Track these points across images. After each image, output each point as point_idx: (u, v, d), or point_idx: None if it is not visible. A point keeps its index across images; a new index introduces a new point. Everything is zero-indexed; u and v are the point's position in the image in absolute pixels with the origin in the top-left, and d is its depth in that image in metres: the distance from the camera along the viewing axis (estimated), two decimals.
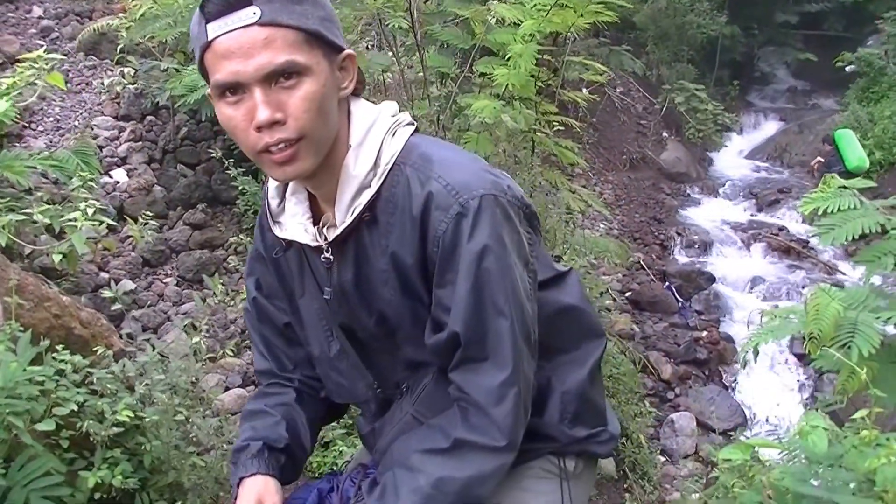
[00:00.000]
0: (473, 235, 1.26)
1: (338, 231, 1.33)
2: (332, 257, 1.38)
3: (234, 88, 1.21)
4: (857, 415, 1.94)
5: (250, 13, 1.17)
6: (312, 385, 1.62)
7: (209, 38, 1.20)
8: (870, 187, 2.65)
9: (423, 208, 1.27)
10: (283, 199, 1.45)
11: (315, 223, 1.40)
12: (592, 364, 1.53)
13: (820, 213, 2.59)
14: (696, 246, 8.61)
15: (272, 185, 1.46)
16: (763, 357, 6.21)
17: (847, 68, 12.31)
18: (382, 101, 1.41)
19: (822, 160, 9.26)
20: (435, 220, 1.27)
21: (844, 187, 2.63)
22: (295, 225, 1.41)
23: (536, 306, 1.39)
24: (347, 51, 1.31)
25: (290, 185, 1.44)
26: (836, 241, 2.54)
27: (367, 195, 1.31)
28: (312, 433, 1.62)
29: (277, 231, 1.43)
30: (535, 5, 4.00)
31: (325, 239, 1.36)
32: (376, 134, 1.33)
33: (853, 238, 2.51)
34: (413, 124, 1.39)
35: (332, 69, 1.28)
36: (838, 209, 2.55)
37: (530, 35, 3.94)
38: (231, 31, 1.18)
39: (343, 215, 1.32)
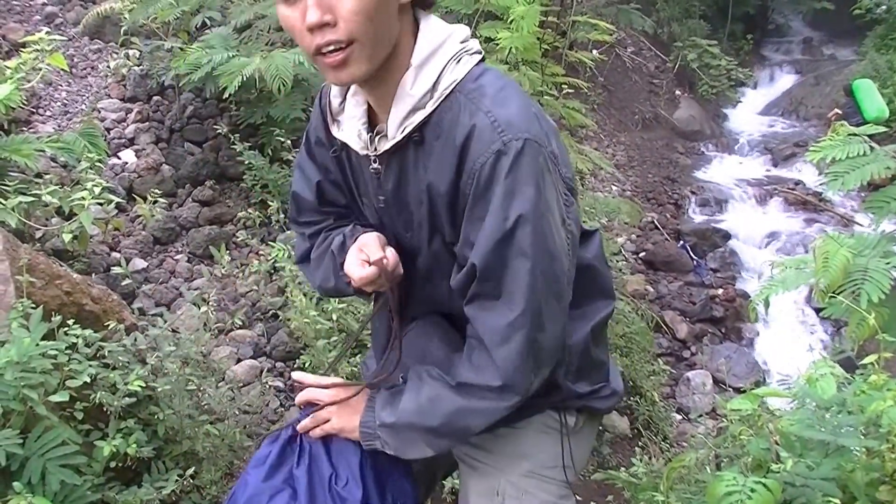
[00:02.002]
0: (511, 175, 1.24)
1: (387, 146, 1.34)
2: (380, 168, 1.39)
3: None
4: (867, 360, 1.93)
5: None
6: None
7: None
8: (883, 133, 2.61)
9: (465, 139, 1.27)
10: (344, 98, 1.45)
11: (370, 129, 1.41)
12: (597, 322, 1.54)
13: (828, 160, 2.56)
14: (711, 204, 8.55)
15: None
16: (780, 312, 6.18)
17: (878, 10, 11.94)
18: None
19: (840, 112, 9.10)
20: (474, 152, 1.26)
21: (854, 134, 2.59)
22: (351, 128, 1.41)
23: (573, 272, 1.39)
24: None
25: (352, 87, 1.43)
26: (844, 188, 2.49)
27: (419, 116, 1.30)
28: None
29: (335, 130, 1.45)
30: None
31: (376, 150, 1.37)
32: (440, 58, 1.32)
33: (863, 184, 2.48)
34: (480, 53, 1.37)
35: None
36: (847, 156, 2.52)
37: None
38: None
39: (394, 131, 1.33)
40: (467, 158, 1.27)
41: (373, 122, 1.41)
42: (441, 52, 1.32)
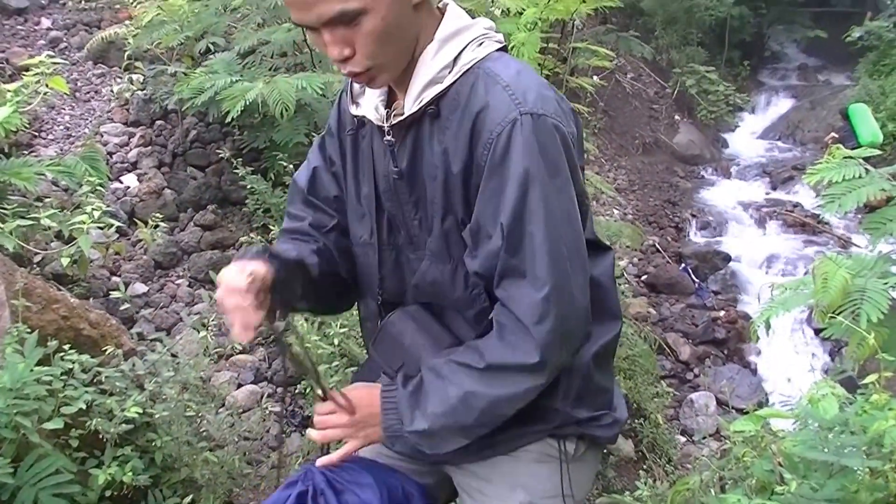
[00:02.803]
0: (528, 147, 1.24)
1: (402, 116, 1.35)
2: (393, 140, 1.39)
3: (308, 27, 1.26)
4: (868, 379, 1.92)
5: None
6: (334, 254, 1.57)
7: None
8: (877, 156, 2.63)
9: (480, 109, 1.27)
10: None
11: (388, 107, 1.42)
12: (602, 344, 1.48)
13: (825, 182, 2.57)
14: (712, 227, 8.57)
15: None
16: (782, 333, 6.17)
17: (857, 36, 12.12)
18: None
19: (836, 135, 9.15)
20: (491, 122, 1.26)
21: (850, 157, 2.60)
22: (369, 104, 1.43)
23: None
24: None
25: None
26: (841, 209, 2.51)
27: (436, 88, 1.31)
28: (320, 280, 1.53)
29: (353, 109, 1.46)
30: None
31: (390, 122, 1.38)
32: (464, 37, 1.34)
33: (859, 206, 2.49)
34: (503, 42, 1.39)
35: None
36: (843, 178, 2.53)
37: (533, 23, 3.93)
38: None
39: (411, 103, 1.33)
40: (484, 129, 1.27)
41: (391, 101, 1.43)
42: (466, 32, 1.34)
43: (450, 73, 1.31)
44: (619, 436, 1.63)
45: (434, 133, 1.33)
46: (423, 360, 1.42)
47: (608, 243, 1.63)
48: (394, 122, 1.36)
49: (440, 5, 1.38)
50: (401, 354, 1.46)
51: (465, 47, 1.33)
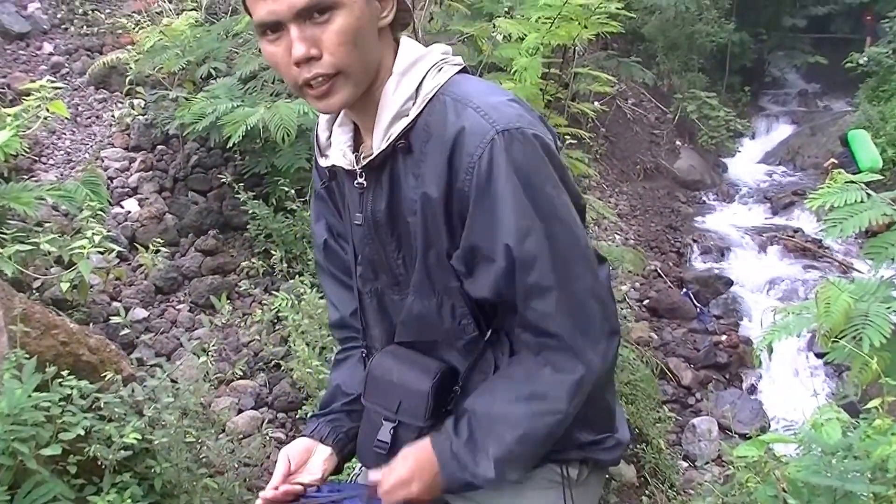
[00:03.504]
0: (512, 164, 1.22)
1: (372, 156, 1.32)
2: (364, 183, 1.36)
3: (274, 27, 1.22)
4: (871, 404, 1.92)
5: None
6: None
7: None
8: (877, 182, 2.64)
9: (455, 136, 1.24)
10: (331, 132, 1.45)
11: (356, 150, 1.40)
12: None
13: (827, 207, 2.58)
14: (713, 251, 8.58)
15: (322, 119, 1.46)
16: (784, 357, 6.15)
17: (860, 61, 12.21)
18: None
19: (836, 161, 9.18)
20: (469, 147, 1.23)
21: (851, 182, 2.61)
22: (336, 151, 1.41)
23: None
24: None
25: (339, 117, 1.43)
26: (843, 234, 2.51)
27: (403, 122, 1.29)
28: None
29: (322, 161, 1.44)
30: (539, 18, 4.01)
31: (361, 164, 1.35)
32: (422, 65, 1.31)
33: (860, 230, 2.50)
34: (461, 64, 1.36)
35: (368, 0, 1.26)
36: (845, 203, 2.53)
37: (535, 48, 3.94)
38: None
39: (379, 141, 1.31)
40: (462, 155, 1.24)
41: (358, 145, 1.41)
42: (423, 60, 1.32)
43: (414, 104, 1.29)
44: (621, 459, 1.62)
45: (408, 167, 1.31)
46: (418, 393, 1.40)
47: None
48: (364, 164, 1.34)
49: (396, 37, 1.36)
50: (394, 393, 1.44)
51: (425, 76, 1.31)
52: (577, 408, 1.33)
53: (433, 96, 1.29)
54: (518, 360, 1.36)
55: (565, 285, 1.27)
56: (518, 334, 1.34)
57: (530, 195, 1.24)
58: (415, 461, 1.39)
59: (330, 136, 1.44)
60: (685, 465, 4.75)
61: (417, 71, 1.31)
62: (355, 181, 1.37)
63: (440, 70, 1.32)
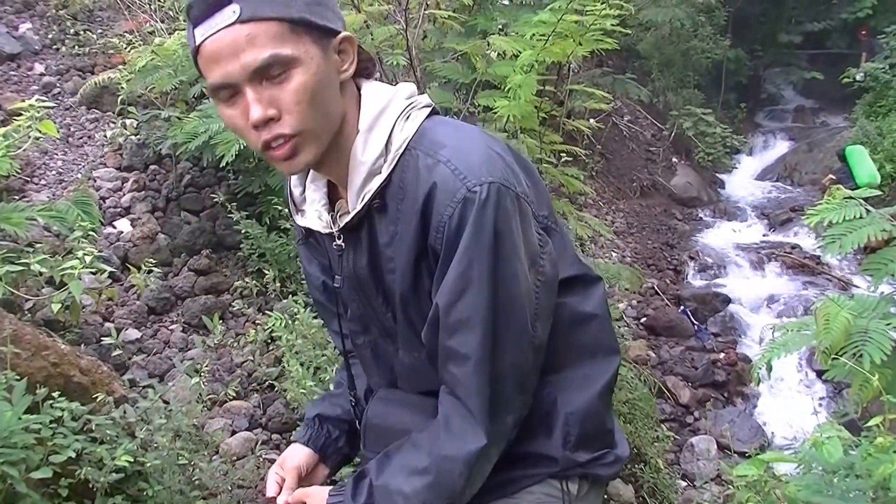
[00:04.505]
0: (478, 221, 1.19)
1: (348, 218, 1.31)
2: (343, 244, 1.35)
3: (228, 89, 1.19)
4: (872, 422, 1.89)
5: (230, 12, 1.15)
6: None
7: (197, 44, 1.18)
8: (876, 197, 2.62)
9: (427, 193, 1.22)
10: (304, 187, 1.43)
11: (331, 209, 1.38)
12: (603, 384, 1.45)
13: (825, 223, 2.56)
14: (710, 269, 8.57)
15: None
16: (783, 375, 6.13)
17: (857, 77, 12.28)
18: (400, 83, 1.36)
19: (834, 177, 9.19)
20: (440, 204, 1.21)
21: (850, 197, 2.60)
22: (312, 212, 1.39)
23: (547, 312, 1.33)
24: (343, 33, 1.26)
25: (310, 172, 1.41)
26: (841, 250, 2.50)
27: (376, 182, 1.26)
28: None
29: (299, 220, 1.42)
30: (533, 36, 4.00)
31: (338, 226, 1.34)
32: (388, 118, 1.28)
33: (859, 247, 2.48)
34: (430, 106, 1.34)
35: (327, 54, 1.23)
36: (844, 219, 2.52)
37: (529, 66, 3.94)
38: (215, 32, 1.16)
39: (354, 202, 1.29)
40: (433, 213, 1.22)
41: (333, 201, 1.39)
42: (388, 112, 1.29)
43: (385, 161, 1.27)
44: (619, 476, 1.61)
45: (385, 225, 1.29)
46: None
47: (606, 286, 1.59)
48: (342, 226, 1.33)
49: (359, 84, 1.33)
50: (393, 438, 1.41)
51: (393, 128, 1.28)
52: (479, 477, 1.31)
53: (404, 150, 1.27)
54: (432, 422, 1.34)
55: (485, 358, 1.25)
56: (441, 389, 1.33)
57: (481, 259, 1.21)
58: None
59: (304, 191, 1.42)
60: (684, 484, 4.71)
61: (384, 124, 1.28)
62: (334, 243, 1.36)
63: (408, 118, 1.30)
